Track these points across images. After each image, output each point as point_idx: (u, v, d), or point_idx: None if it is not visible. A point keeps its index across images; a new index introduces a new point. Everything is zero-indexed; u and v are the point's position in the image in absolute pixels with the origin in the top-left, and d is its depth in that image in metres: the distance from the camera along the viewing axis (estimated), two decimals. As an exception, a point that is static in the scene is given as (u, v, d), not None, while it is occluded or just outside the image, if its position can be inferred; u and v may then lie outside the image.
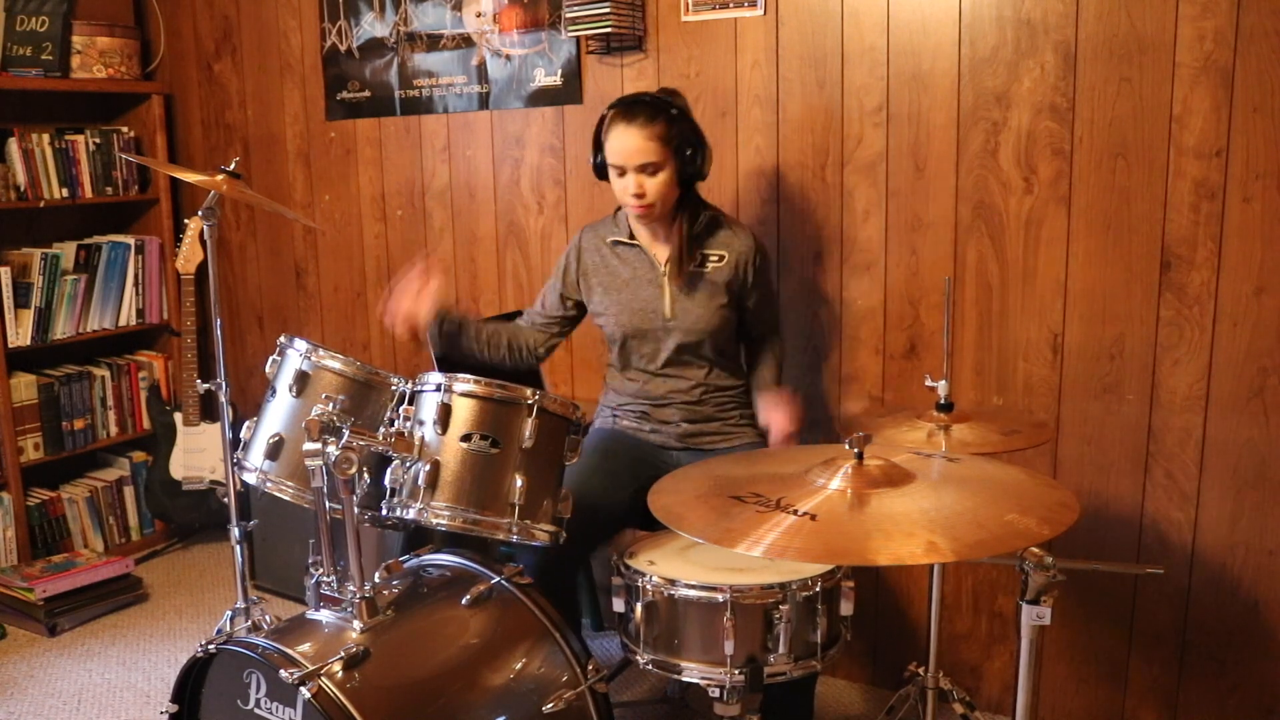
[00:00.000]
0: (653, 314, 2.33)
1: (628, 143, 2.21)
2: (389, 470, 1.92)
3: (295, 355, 2.01)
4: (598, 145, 2.29)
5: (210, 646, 1.80)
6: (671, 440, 2.38)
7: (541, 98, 3.03)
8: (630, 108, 2.24)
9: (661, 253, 2.35)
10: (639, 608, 1.83)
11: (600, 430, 2.47)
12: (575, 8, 2.76)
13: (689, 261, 2.32)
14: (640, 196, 2.23)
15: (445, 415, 1.88)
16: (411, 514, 1.88)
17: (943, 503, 1.49)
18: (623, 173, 2.24)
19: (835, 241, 2.65)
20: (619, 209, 2.40)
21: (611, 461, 2.32)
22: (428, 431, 1.89)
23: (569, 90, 2.98)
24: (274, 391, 2.04)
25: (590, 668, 1.94)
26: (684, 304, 2.33)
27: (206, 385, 2.71)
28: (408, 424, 1.91)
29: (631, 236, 2.36)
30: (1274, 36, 2.13)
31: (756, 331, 2.49)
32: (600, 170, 2.32)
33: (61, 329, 3.49)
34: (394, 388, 1.99)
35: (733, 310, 2.37)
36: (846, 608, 1.83)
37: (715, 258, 2.35)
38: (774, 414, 2.31)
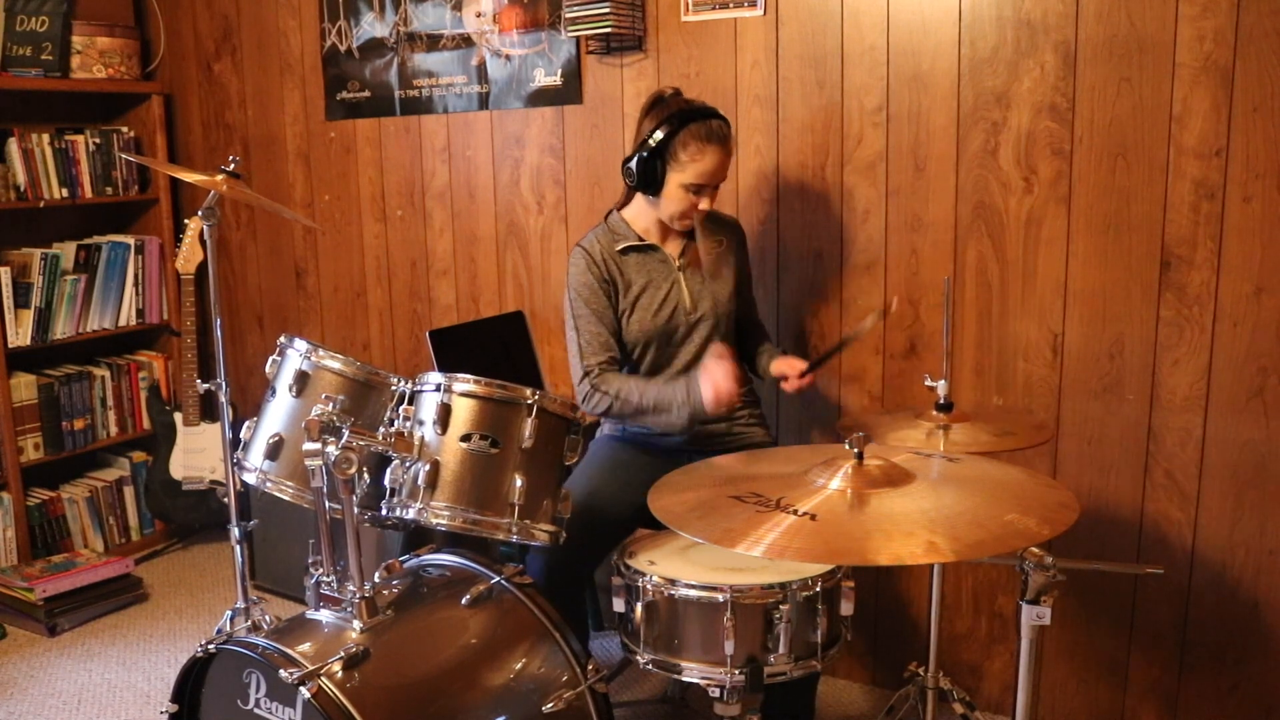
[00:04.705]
0: (676, 310, 2.33)
1: (719, 163, 2.23)
2: (389, 470, 1.92)
3: (295, 355, 2.01)
4: (659, 156, 2.22)
5: (210, 646, 1.80)
6: (682, 443, 2.38)
7: (541, 98, 3.03)
8: (712, 126, 2.22)
9: (673, 248, 2.37)
10: (639, 608, 1.83)
11: (608, 437, 2.46)
12: (575, 8, 2.76)
13: (706, 250, 2.37)
14: (706, 210, 2.28)
15: (445, 415, 1.88)
16: (411, 514, 1.88)
17: (943, 503, 1.49)
18: (700, 190, 2.24)
19: (835, 241, 2.65)
20: (609, 215, 2.40)
21: (621, 469, 2.32)
22: (428, 431, 1.89)
23: (569, 90, 2.98)
24: (274, 391, 2.04)
25: (590, 668, 1.94)
26: (703, 293, 2.36)
27: (206, 385, 2.71)
28: (408, 424, 1.91)
29: (640, 238, 2.36)
30: (1274, 36, 2.13)
31: (748, 317, 2.54)
32: (650, 179, 2.24)
33: (61, 329, 3.49)
34: (394, 388, 1.99)
35: (738, 294, 2.42)
36: (846, 608, 1.83)
37: (716, 243, 2.41)
38: (787, 363, 2.34)
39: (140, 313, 3.73)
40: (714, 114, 2.25)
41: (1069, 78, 2.33)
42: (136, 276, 3.69)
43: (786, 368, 2.33)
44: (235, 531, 2.67)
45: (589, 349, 2.30)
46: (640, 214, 2.36)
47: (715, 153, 2.22)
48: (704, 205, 2.27)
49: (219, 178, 2.54)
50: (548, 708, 1.86)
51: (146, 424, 3.73)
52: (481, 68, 3.12)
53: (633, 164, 2.25)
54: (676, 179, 2.23)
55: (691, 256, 2.37)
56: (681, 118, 2.21)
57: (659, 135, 2.21)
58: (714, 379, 2.14)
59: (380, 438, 1.86)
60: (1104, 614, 2.48)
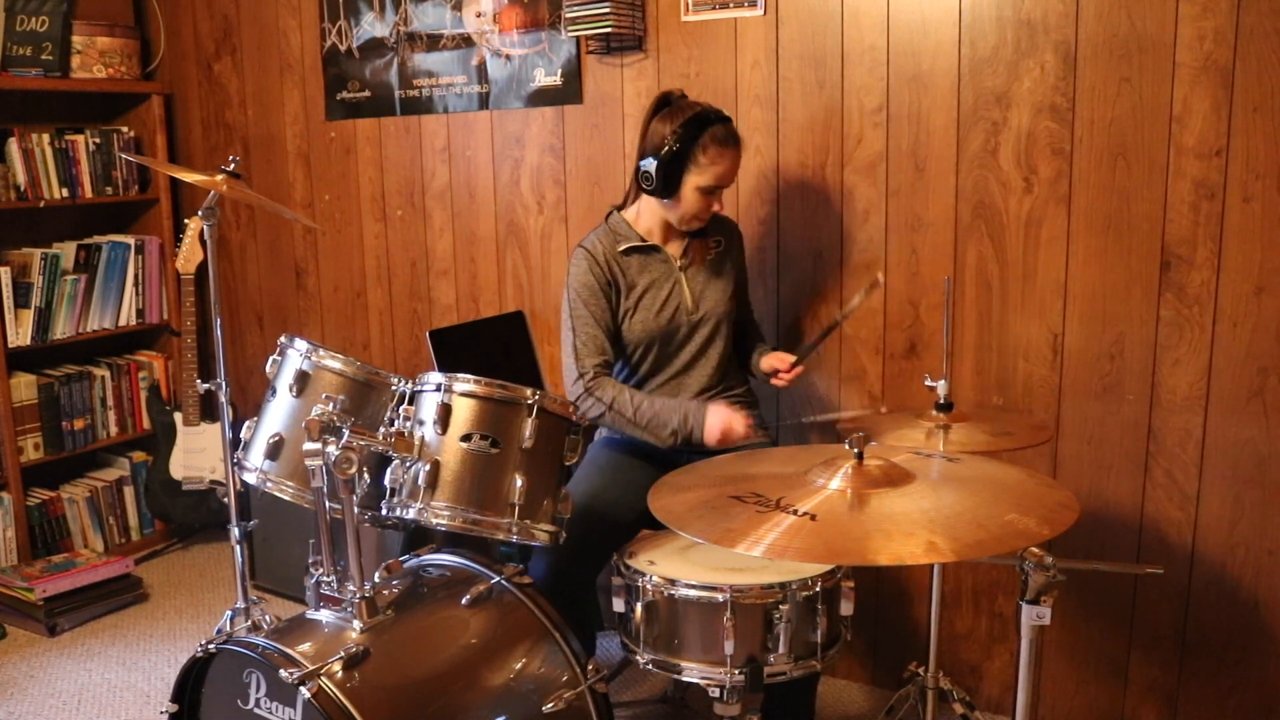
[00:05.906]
0: (678, 310, 2.35)
1: (735, 165, 2.28)
2: (389, 470, 1.92)
3: (295, 355, 2.01)
4: (680, 160, 2.22)
5: (210, 646, 1.80)
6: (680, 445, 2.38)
7: (541, 98, 3.03)
8: (730, 129, 2.26)
9: (674, 249, 2.37)
10: (639, 608, 1.83)
11: (609, 440, 2.46)
12: (575, 8, 2.76)
13: (706, 250, 2.39)
14: (717, 211, 2.32)
15: (445, 415, 1.88)
16: (411, 514, 1.88)
17: (943, 503, 1.49)
18: (712, 191, 2.27)
19: (835, 241, 2.65)
20: (609, 216, 2.40)
21: (622, 473, 2.32)
22: (428, 431, 1.89)
23: (569, 90, 2.98)
24: (274, 391, 2.04)
25: (590, 668, 1.94)
26: (704, 292, 2.37)
27: (206, 385, 2.71)
28: (408, 424, 1.91)
29: (643, 239, 2.36)
30: (1274, 36, 2.13)
31: (744, 317, 2.55)
32: (668, 182, 2.24)
33: (61, 329, 3.49)
34: (394, 388, 1.99)
35: (737, 294, 2.44)
36: (846, 608, 1.83)
37: (715, 243, 2.42)
38: (776, 358, 2.38)
39: (140, 313, 3.73)
40: (726, 117, 2.28)
41: (1069, 78, 2.33)
42: (136, 276, 3.69)
43: (776, 362, 2.37)
44: (235, 531, 2.67)
45: (584, 350, 2.30)
46: (643, 215, 2.37)
47: (733, 156, 2.26)
48: (716, 206, 2.30)
49: (219, 178, 2.54)
50: (548, 708, 1.86)
51: (146, 424, 3.73)
52: (481, 68, 3.12)
53: (651, 168, 2.24)
54: (694, 181, 2.25)
55: (693, 256, 2.38)
56: (699, 121, 2.23)
57: (678, 138, 2.21)
58: (728, 419, 2.18)
59: (380, 438, 1.86)
60: (1104, 614, 2.48)
